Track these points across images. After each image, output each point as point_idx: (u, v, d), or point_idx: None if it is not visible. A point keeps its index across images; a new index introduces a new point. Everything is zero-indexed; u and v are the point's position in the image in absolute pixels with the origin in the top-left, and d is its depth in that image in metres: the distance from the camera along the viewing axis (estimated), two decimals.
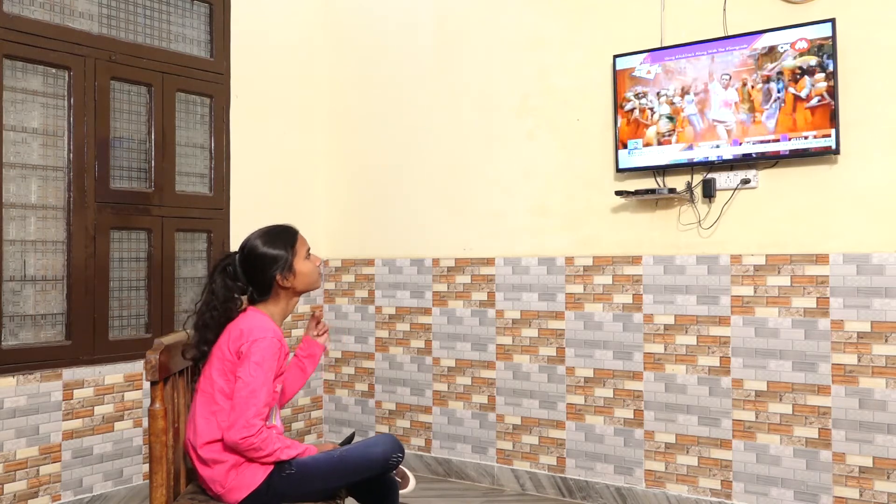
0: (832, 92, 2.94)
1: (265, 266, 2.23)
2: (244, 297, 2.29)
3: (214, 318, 2.20)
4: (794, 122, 3.02)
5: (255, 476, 2.13)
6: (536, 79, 3.73)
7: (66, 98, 3.35)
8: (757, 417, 3.15)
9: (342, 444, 2.37)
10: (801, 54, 3.01)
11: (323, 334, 2.56)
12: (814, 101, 2.98)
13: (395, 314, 4.15)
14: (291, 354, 2.47)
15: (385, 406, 4.17)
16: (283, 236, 2.29)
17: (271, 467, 2.15)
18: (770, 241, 3.16)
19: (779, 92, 3.06)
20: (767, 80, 3.08)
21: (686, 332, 3.31)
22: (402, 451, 2.31)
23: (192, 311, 2.28)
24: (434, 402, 4.00)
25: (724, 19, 3.25)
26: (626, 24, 3.48)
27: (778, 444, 3.11)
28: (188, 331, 2.26)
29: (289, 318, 4.17)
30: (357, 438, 2.47)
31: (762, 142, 3.09)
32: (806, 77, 3.00)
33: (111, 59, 3.48)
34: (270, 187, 4.13)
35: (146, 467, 3.54)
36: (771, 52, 3.07)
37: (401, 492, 2.43)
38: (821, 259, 3.04)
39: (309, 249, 2.34)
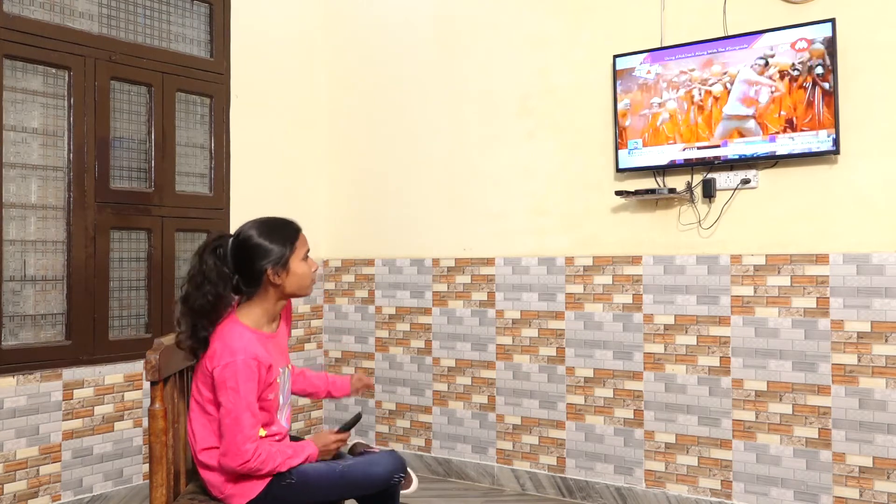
0: (832, 92, 2.95)
1: (258, 257, 2.07)
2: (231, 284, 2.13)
3: (209, 302, 2.04)
4: (794, 121, 3.03)
5: (255, 485, 2.10)
6: (537, 79, 3.73)
7: (66, 98, 3.35)
8: (757, 417, 3.15)
9: (344, 427, 2.28)
10: (801, 54, 3.01)
11: (360, 389, 2.52)
12: (814, 101, 2.98)
13: (395, 314, 4.15)
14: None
15: (385, 406, 4.17)
16: (285, 230, 2.15)
17: (270, 477, 2.12)
18: (770, 241, 3.16)
19: (778, 92, 3.06)
20: (767, 80, 3.08)
21: (686, 332, 3.31)
22: (405, 470, 2.28)
23: (180, 297, 2.08)
24: (434, 402, 4.00)
25: (724, 19, 3.25)
26: (626, 24, 3.48)
27: (778, 444, 3.11)
28: (176, 318, 2.08)
29: None
30: (363, 450, 2.40)
31: (762, 142, 3.09)
32: (806, 77, 3.00)
33: (111, 59, 3.48)
34: (270, 187, 4.12)
35: (146, 467, 3.54)
36: (771, 52, 3.07)
37: (403, 492, 2.43)
38: (821, 259, 3.04)
39: (308, 252, 2.19)
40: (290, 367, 2.32)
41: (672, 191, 3.27)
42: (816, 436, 3.04)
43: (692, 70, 3.24)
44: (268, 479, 2.11)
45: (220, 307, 2.09)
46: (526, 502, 3.58)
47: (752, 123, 3.12)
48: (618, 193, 3.37)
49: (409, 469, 2.46)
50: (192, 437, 2.17)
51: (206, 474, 2.14)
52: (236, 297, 2.18)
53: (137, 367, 3.50)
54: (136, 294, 3.60)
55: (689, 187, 3.30)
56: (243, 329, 2.09)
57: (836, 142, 2.95)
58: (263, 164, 4.11)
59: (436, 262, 4.01)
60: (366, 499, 2.31)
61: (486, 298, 3.85)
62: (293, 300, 2.33)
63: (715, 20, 3.27)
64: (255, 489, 2.10)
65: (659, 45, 3.37)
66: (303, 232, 2.20)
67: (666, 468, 3.35)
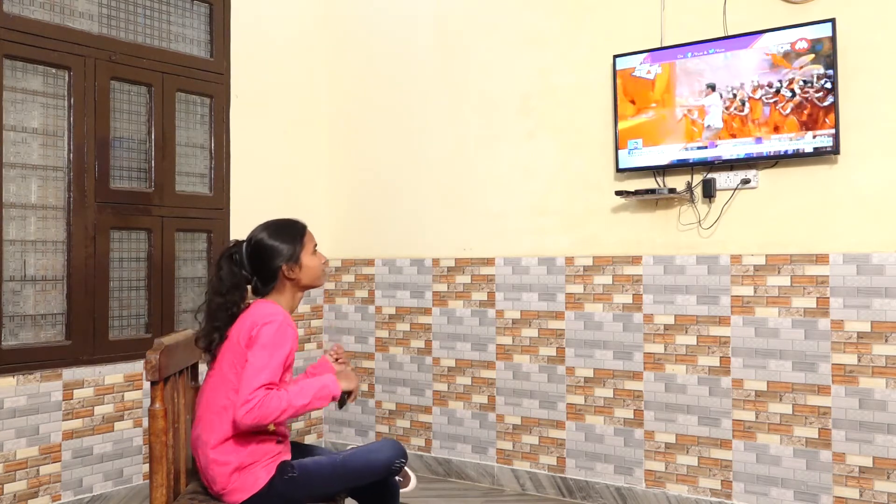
0: (832, 92, 2.95)
1: (272, 256, 2.22)
2: (249, 288, 2.27)
3: (222, 304, 2.19)
4: (793, 121, 3.03)
5: (258, 480, 2.13)
6: (536, 79, 3.73)
7: (66, 98, 3.35)
8: (757, 417, 3.15)
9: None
10: (801, 54, 3.01)
11: (341, 362, 2.50)
12: (814, 101, 2.98)
13: (395, 314, 4.15)
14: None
15: (385, 406, 4.17)
16: (292, 229, 2.29)
17: (273, 471, 2.14)
18: (770, 241, 3.16)
19: (778, 92, 3.06)
20: (767, 79, 3.08)
21: (686, 332, 3.31)
22: (405, 457, 2.30)
23: (201, 302, 2.27)
24: (434, 402, 4.00)
25: (724, 19, 3.25)
26: (626, 24, 3.48)
27: (778, 444, 3.11)
28: (198, 318, 2.25)
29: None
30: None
31: (762, 142, 3.09)
32: (806, 77, 3.00)
33: (111, 59, 3.48)
34: (270, 187, 4.13)
35: (146, 467, 3.54)
36: (771, 52, 3.07)
37: (402, 490, 2.43)
38: (821, 259, 3.05)
39: (316, 245, 2.33)
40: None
41: (672, 191, 3.27)
42: (816, 436, 3.04)
43: (692, 70, 3.24)
44: (270, 475, 2.14)
45: (237, 308, 2.22)
46: (526, 502, 3.58)
47: (752, 123, 3.12)
48: (618, 193, 3.37)
49: (407, 468, 2.47)
50: (203, 431, 2.15)
51: (208, 471, 2.13)
52: (248, 293, 2.29)
53: (137, 367, 3.50)
54: (136, 294, 3.60)
55: (689, 187, 3.30)
56: (276, 304, 2.23)
57: (836, 142, 2.95)
58: (263, 164, 4.11)
59: (436, 262, 4.01)
60: (367, 492, 2.32)
61: (486, 298, 3.85)
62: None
63: (715, 20, 3.27)
64: (258, 485, 2.12)
65: (659, 45, 3.37)
66: (308, 228, 2.35)
67: (666, 468, 3.35)
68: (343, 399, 2.25)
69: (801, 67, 3.01)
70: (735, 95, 3.15)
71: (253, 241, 2.25)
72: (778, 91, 3.06)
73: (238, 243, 2.29)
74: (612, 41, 3.49)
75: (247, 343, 2.12)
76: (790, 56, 3.03)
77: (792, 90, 3.03)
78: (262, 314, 2.15)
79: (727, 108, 3.17)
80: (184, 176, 3.80)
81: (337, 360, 2.52)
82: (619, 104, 3.40)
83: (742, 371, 3.18)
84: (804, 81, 3.00)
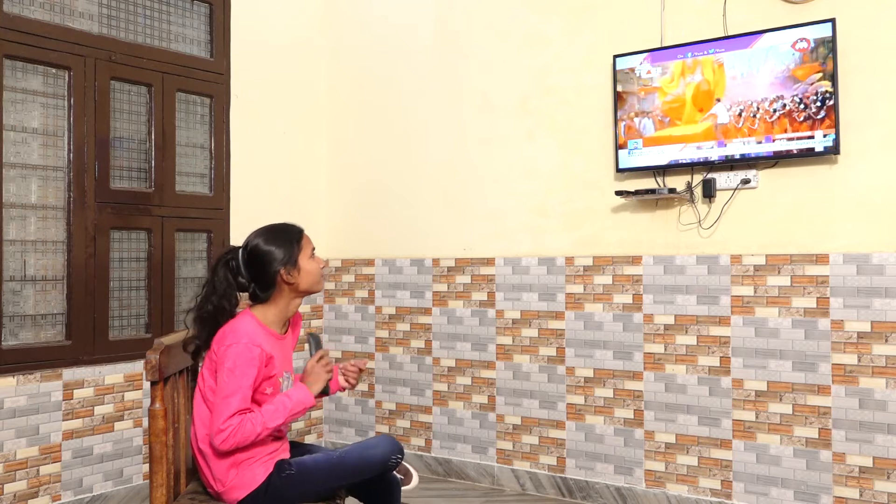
0: (832, 92, 2.95)
1: (269, 262, 2.19)
2: (244, 294, 2.25)
3: (212, 311, 2.17)
4: (794, 121, 3.03)
5: (256, 477, 2.13)
6: (536, 79, 3.73)
7: (66, 98, 3.35)
8: (757, 417, 3.15)
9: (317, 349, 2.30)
10: (801, 54, 3.01)
11: (352, 378, 2.42)
12: (814, 101, 2.98)
13: (395, 314, 4.15)
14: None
15: (385, 406, 4.17)
16: (288, 233, 2.26)
17: (271, 468, 2.15)
18: (770, 241, 3.16)
19: (779, 92, 3.06)
20: (767, 79, 3.08)
21: (686, 332, 3.31)
22: (402, 452, 2.30)
23: (192, 305, 2.24)
24: (434, 402, 4.00)
25: (724, 19, 3.25)
26: (626, 24, 3.48)
27: (778, 444, 3.11)
28: (186, 323, 2.24)
29: None
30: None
31: (762, 142, 3.09)
32: (806, 77, 3.00)
33: (111, 59, 3.48)
34: (270, 187, 4.13)
35: (146, 467, 3.54)
36: (771, 52, 3.07)
37: (404, 488, 2.44)
38: (821, 259, 3.04)
39: (314, 249, 2.30)
40: (293, 375, 2.33)
41: (672, 191, 3.27)
42: (816, 436, 3.04)
43: (692, 70, 3.24)
44: (268, 472, 2.15)
45: (226, 315, 2.20)
46: (526, 502, 3.58)
47: (752, 123, 3.12)
48: (618, 193, 3.37)
49: (408, 465, 2.47)
50: (193, 430, 2.19)
51: (206, 467, 2.15)
52: (245, 304, 2.27)
53: (137, 367, 3.50)
54: (136, 294, 3.60)
55: (689, 187, 3.30)
56: (253, 320, 2.20)
57: (836, 142, 2.95)
58: (263, 164, 4.11)
59: (436, 262, 4.01)
60: (366, 489, 2.33)
61: (486, 298, 3.85)
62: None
63: (715, 20, 3.27)
64: (256, 482, 2.13)
65: (659, 45, 3.37)
66: (305, 232, 2.31)
67: (666, 468, 3.35)
68: (325, 390, 2.28)
69: (801, 68, 3.00)
70: (734, 96, 3.14)
71: (249, 247, 2.22)
72: (777, 91, 3.05)
73: (234, 249, 2.26)
74: (612, 41, 3.49)
75: (216, 359, 2.12)
76: (790, 56, 3.03)
77: (791, 90, 3.02)
78: (231, 332, 2.12)
79: (728, 109, 3.17)
80: (184, 176, 3.80)
81: (319, 359, 2.36)
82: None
83: (742, 371, 3.18)
84: (804, 82, 3.00)
